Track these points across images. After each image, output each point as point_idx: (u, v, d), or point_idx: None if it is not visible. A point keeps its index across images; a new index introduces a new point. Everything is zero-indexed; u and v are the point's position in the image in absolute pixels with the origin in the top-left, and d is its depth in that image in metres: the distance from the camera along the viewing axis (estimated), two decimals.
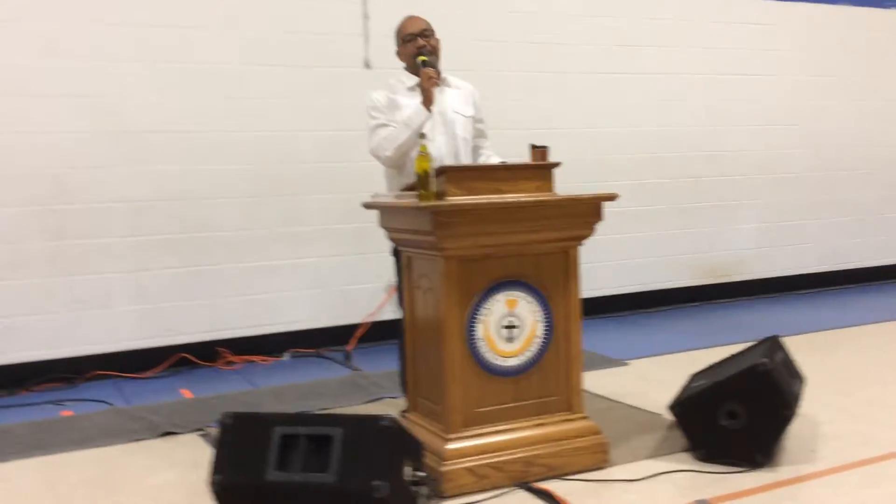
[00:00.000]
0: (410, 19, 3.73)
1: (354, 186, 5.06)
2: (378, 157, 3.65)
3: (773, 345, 3.50)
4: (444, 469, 2.98)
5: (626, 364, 4.92)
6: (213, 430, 3.60)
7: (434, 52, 3.66)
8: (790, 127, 7.18)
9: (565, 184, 3.33)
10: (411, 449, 2.75)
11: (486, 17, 5.90)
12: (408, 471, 2.67)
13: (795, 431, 3.43)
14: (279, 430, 2.60)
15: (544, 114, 6.05)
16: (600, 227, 3.27)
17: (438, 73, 3.64)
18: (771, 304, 6.82)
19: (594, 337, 5.33)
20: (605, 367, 4.81)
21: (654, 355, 5.10)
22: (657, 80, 6.61)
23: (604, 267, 6.33)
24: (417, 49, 3.63)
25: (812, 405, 3.75)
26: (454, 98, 3.73)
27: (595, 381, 4.37)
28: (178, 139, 5.23)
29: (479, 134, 3.88)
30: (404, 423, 3.14)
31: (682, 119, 6.73)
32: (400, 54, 3.75)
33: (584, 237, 3.22)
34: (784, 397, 3.15)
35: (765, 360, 3.16)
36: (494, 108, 3.98)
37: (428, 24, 3.72)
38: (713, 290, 6.95)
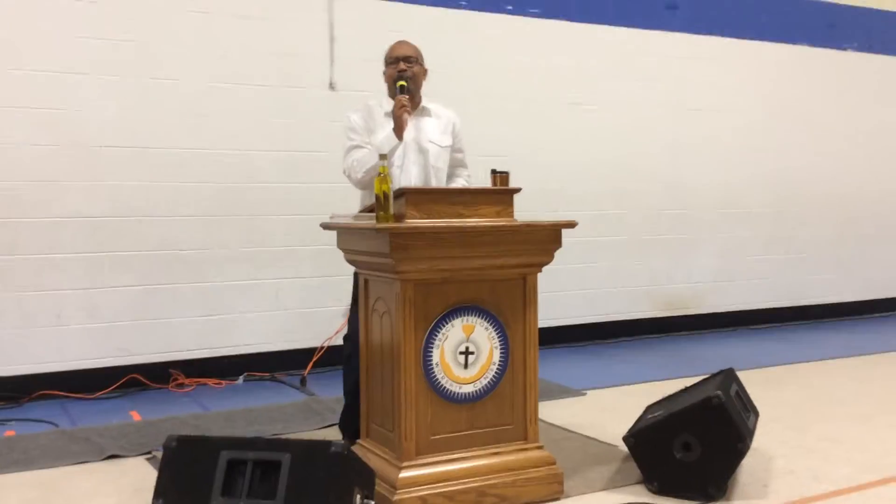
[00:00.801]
0: (398, 44, 3.73)
1: (316, 208, 5.03)
2: (349, 178, 3.65)
3: (727, 377, 3.52)
4: (395, 498, 2.92)
5: (583, 394, 4.90)
6: (160, 454, 3.50)
7: (413, 79, 3.64)
8: (749, 163, 7.30)
9: (527, 212, 3.32)
10: (362, 476, 2.70)
11: (450, 45, 5.92)
12: (358, 499, 2.61)
13: (749, 465, 3.44)
14: (225, 455, 2.53)
15: (506, 142, 6.05)
16: (561, 257, 3.27)
17: (418, 102, 3.66)
18: (727, 338, 6.87)
19: (552, 366, 5.33)
20: (562, 397, 4.79)
21: (612, 386, 5.10)
22: (619, 111, 6.68)
23: (563, 296, 6.34)
24: (398, 73, 3.62)
25: (765, 440, 3.77)
26: (431, 127, 3.72)
27: (552, 411, 4.35)
28: (137, 155, 5.15)
29: (458, 163, 3.88)
30: (356, 449, 3.08)
31: (643, 151, 6.80)
32: (384, 75, 3.74)
33: (543, 264, 3.21)
34: (738, 430, 3.15)
35: (719, 392, 3.16)
36: None
37: (415, 51, 3.71)
38: (671, 322, 7.00)
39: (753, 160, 7.32)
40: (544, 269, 3.23)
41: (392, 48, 3.73)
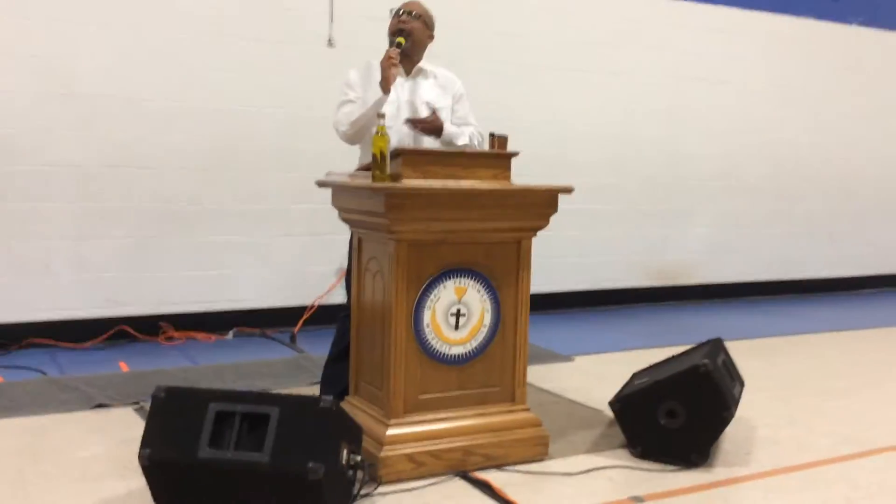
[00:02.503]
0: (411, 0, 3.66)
1: (310, 166, 4.99)
2: (337, 132, 3.61)
3: (715, 347, 3.53)
4: (382, 454, 2.95)
5: (571, 360, 4.93)
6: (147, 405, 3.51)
7: (411, 34, 3.56)
8: (748, 135, 7.27)
9: (524, 178, 3.30)
10: (350, 432, 2.71)
11: (452, 7, 5.82)
12: (345, 454, 2.63)
13: (732, 434, 3.47)
14: (214, 407, 2.54)
15: (505, 107, 5.98)
16: (556, 224, 3.26)
17: (416, 62, 3.60)
18: (718, 309, 6.91)
19: (542, 332, 5.35)
20: (550, 362, 4.81)
21: (601, 352, 5.13)
22: (620, 80, 6.63)
23: (557, 263, 6.34)
24: (398, 23, 3.56)
25: (750, 409, 3.80)
26: (428, 89, 3.65)
27: (540, 375, 4.38)
28: (130, 106, 5.09)
29: (462, 121, 3.78)
30: (345, 406, 3.10)
31: (642, 121, 6.76)
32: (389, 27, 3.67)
33: (538, 228, 3.20)
34: (723, 399, 3.17)
35: (706, 361, 3.18)
36: None
37: (422, 10, 3.62)
38: (663, 291, 7.02)
39: (753, 132, 7.29)
40: (540, 234, 3.22)
41: (404, 3, 3.66)
